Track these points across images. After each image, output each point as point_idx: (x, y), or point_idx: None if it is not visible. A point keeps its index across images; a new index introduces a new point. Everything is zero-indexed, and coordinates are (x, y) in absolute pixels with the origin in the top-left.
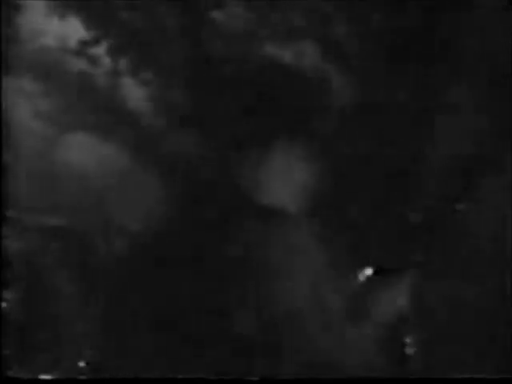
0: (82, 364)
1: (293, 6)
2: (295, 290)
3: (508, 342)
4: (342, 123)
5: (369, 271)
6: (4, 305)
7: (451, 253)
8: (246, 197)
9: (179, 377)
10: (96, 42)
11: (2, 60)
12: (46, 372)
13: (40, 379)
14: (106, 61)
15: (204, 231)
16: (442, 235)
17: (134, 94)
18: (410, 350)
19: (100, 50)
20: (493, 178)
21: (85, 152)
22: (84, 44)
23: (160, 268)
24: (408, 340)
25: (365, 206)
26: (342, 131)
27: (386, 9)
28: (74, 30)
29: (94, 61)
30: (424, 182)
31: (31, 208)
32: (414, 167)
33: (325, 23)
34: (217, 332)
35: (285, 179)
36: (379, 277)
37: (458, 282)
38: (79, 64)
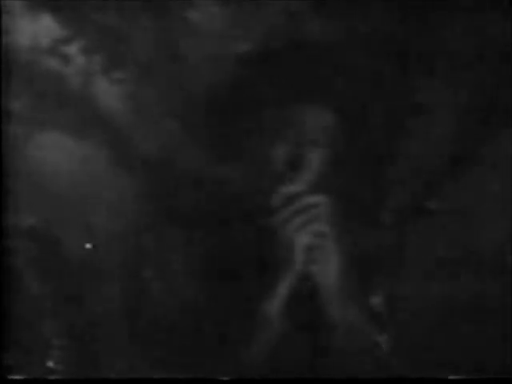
0: (51, 364)
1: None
2: None
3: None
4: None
5: None
6: None
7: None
8: (226, 194)
9: (174, 377)
10: (69, 40)
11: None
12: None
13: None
14: (79, 59)
15: (180, 229)
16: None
17: (108, 92)
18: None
19: (73, 49)
20: (464, 177)
21: (57, 151)
22: (57, 42)
23: (135, 268)
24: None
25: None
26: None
27: (363, 8)
28: (46, 28)
29: (66, 59)
30: (395, 182)
31: (3, 208)
32: (385, 167)
33: (300, 22)
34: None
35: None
36: None
37: (429, 283)
38: (51, 62)
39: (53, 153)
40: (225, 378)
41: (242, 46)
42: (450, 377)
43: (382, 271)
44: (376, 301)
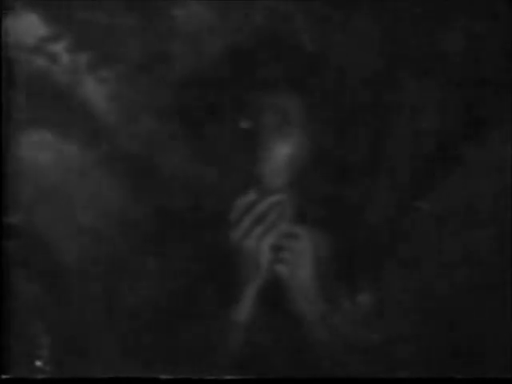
0: (38, 363)
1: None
2: None
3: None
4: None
5: None
6: None
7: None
8: (206, 184)
9: (172, 378)
10: (55, 38)
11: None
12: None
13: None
14: (65, 58)
15: (168, 223)
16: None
17: (94, 91)
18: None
19: (59, 47)
20: (455, 176)
21: (43, 149)
22: (43, 41)
23: (122, 264)
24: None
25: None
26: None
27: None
28: (31, 26)
29: (53, 58)
30: (384, 180)
31: None
32: (373, 164)
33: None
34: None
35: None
36: None
37: (418, 282)
38: (37, 61)
39: (39, 151)
40: (225, 378)
41: (229, 44)
42: (449, 376)
43: (367, 270)
44: (362, 299)
